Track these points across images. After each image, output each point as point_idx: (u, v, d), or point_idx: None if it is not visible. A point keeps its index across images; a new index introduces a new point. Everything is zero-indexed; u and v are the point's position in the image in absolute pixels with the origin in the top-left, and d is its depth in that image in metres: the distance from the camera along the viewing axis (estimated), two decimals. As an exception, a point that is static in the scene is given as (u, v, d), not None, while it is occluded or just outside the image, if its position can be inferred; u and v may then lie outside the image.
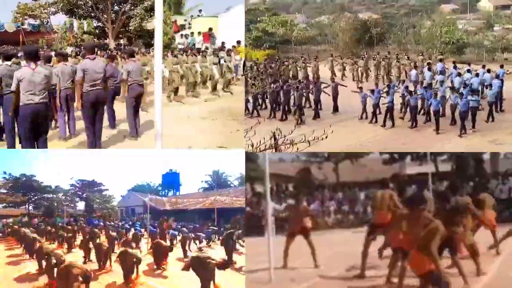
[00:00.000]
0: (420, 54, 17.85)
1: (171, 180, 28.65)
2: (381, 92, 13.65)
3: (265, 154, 8.16)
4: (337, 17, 21.73)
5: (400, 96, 13.62)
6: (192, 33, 21.48)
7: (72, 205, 23.60)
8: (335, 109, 14.37)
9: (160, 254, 9.68)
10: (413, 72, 15.65)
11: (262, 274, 7.86)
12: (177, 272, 9.54)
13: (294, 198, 10.84)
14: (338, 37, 20.89)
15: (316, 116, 13.97)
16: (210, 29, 21.19)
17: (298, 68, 17.51)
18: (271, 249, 7.79)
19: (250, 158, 9.85)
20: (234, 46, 18.41)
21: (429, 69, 15.35)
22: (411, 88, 14.13)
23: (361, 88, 14.19)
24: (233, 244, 10.60)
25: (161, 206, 23.15)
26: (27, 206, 21.67)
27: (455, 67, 15.11)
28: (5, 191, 21.18)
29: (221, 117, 13.18)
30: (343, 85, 14.79)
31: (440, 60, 16.36)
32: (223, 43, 19.10)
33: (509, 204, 13.16)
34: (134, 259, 8.21)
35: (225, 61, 16.76)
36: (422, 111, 13.42)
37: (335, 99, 14.37)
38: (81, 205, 24.19)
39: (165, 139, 9.20)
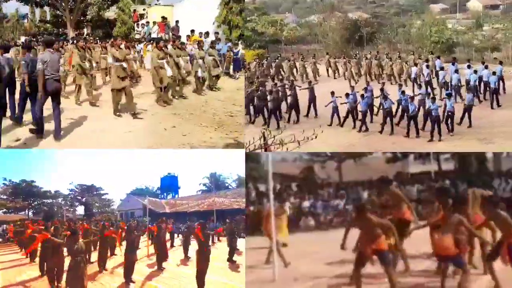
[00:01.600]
0: (411, 53, 18.03)
1: (170, 183, 28.60)
2: (357, 95, 13.33)
3: (268, 154, 8.28)
4: (327, 16, 21.70)
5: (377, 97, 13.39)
6: (148, 22, 20.50)
7: (71, 209, 23.45)
8: (308, 112, 13.92)
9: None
10: (414, 69, 15.76)
11: (263, 272, 8.06)
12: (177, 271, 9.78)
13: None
14: (328, 37, 20.95)
15: (294, 120, 13.55)
16: (164, 18, 19.91)
17: (298, 67, 17.39)
18: (275, 248, 7.99)
19: (252, 157, 9.76)
20: (188, 36, 17.68)
21: (428, 67, 15.47)
22: (410, 87, 14.17)
23: (332, 92, 13.59)
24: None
25: (160, 209, 23.14)
26: (26, 211, 21.48)
27: (453, 63, 15.26)
28: (5, 197, 20.93)
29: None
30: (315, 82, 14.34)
31: (438, 57, 16.55)
32: (177, 21, 18.65)
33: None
34: None
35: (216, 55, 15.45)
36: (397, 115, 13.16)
37: (311, 102, 13.99)
38: (80, 210, 24.13)
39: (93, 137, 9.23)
